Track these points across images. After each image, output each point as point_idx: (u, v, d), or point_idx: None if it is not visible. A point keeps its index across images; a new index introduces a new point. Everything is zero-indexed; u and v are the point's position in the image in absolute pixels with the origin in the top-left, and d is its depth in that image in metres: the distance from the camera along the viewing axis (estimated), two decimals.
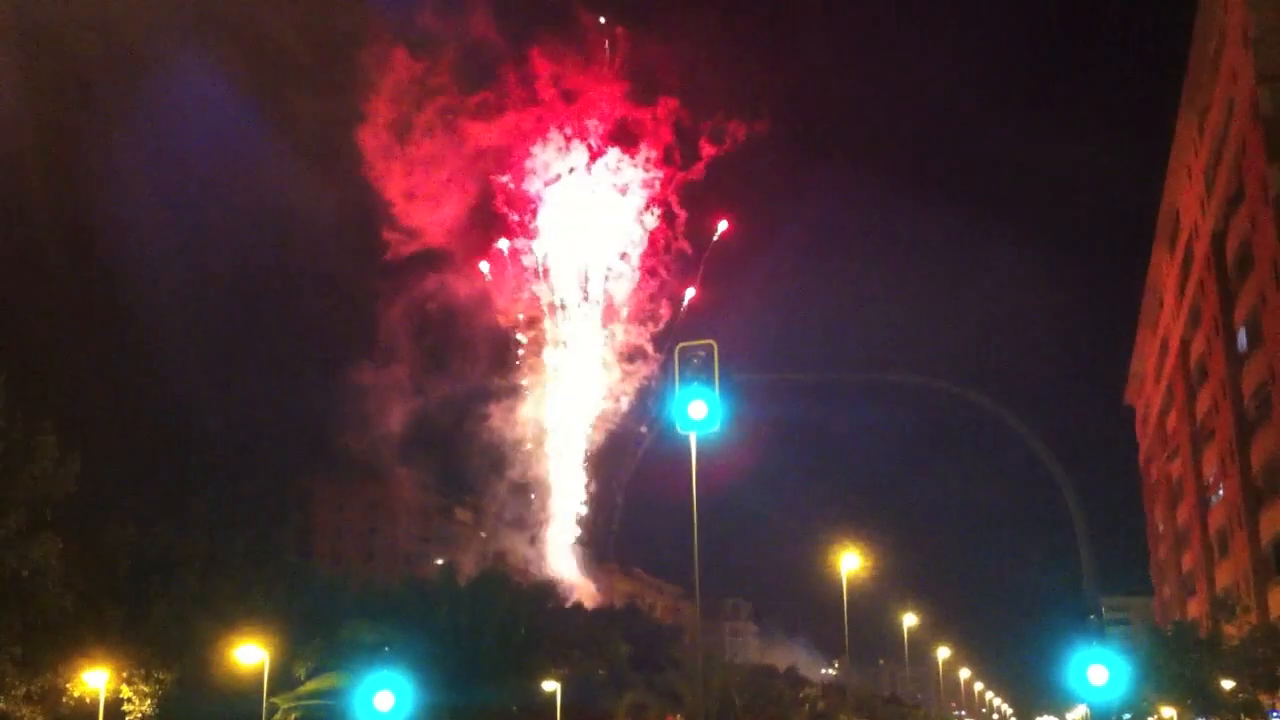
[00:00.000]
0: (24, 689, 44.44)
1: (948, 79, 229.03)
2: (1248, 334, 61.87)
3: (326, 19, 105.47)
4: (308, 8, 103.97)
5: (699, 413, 20.75)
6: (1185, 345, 79.54)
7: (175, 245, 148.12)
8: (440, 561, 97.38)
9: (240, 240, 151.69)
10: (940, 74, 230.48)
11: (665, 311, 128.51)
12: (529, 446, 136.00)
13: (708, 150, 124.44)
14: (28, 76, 77.94)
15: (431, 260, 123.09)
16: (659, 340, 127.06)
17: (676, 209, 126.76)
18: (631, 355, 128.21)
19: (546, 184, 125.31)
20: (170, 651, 50.77)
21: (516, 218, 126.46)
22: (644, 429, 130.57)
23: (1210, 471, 74.51)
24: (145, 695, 50.17)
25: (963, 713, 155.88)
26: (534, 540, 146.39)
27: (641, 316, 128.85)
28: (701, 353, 20.88)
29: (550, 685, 58.07)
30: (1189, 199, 73.54)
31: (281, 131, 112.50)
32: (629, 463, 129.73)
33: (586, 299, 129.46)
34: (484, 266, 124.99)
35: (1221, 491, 70.71)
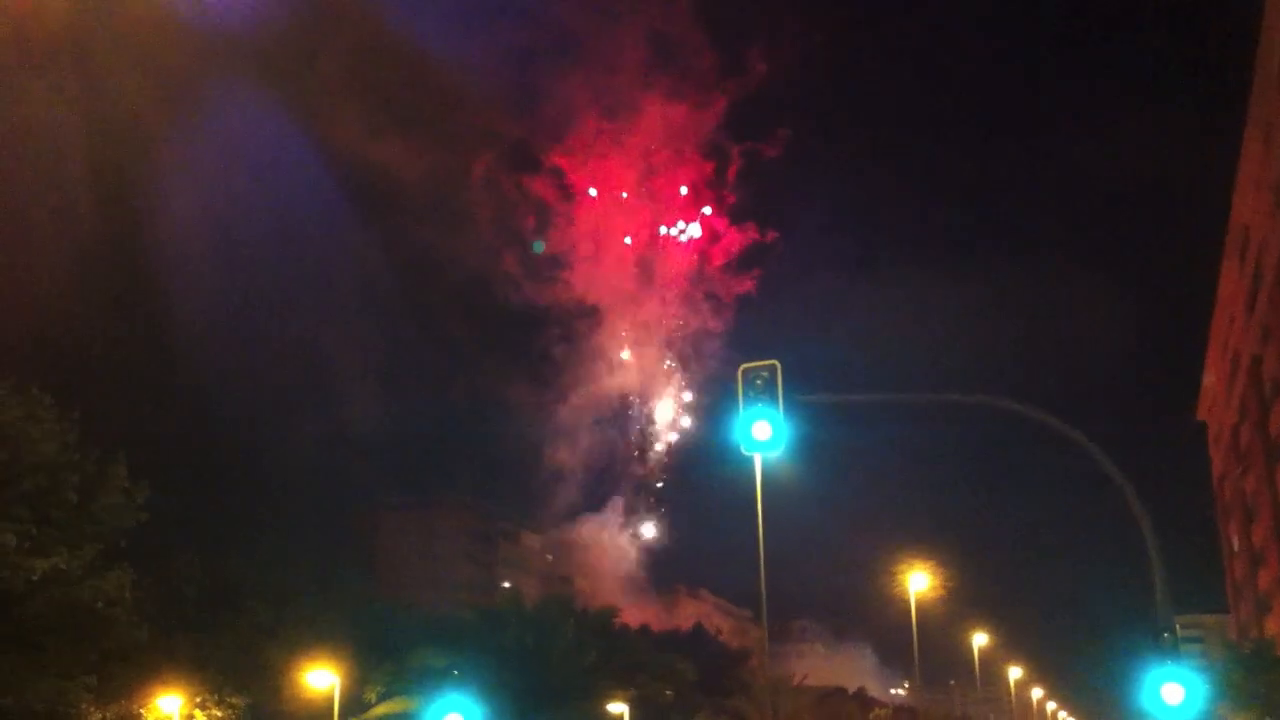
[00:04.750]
0: (99, 716, 45.16)
1: (1012, 88, 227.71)
2: None
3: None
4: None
5: (763, 434, 20.61)
6: (1256, 361, 78.29)
7: (237, 281, 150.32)
8: (506, 585, 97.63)
9: (298, 272, 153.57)
10: (1004, 84, 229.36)
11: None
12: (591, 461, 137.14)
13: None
14: (81, 115, 79.66)
15: None
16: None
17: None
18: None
19: None
20: (242, 677, 51.36)
21: None
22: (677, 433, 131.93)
23: None
24: (218, 719, 50.80)
25: None
26: (599, 560, 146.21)
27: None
28: (765, 374, 20.72)
29: (617, 708, 58.05)
30: (1258, 213, 72.50)
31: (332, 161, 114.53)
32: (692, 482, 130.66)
33: None
34: None
35: None
